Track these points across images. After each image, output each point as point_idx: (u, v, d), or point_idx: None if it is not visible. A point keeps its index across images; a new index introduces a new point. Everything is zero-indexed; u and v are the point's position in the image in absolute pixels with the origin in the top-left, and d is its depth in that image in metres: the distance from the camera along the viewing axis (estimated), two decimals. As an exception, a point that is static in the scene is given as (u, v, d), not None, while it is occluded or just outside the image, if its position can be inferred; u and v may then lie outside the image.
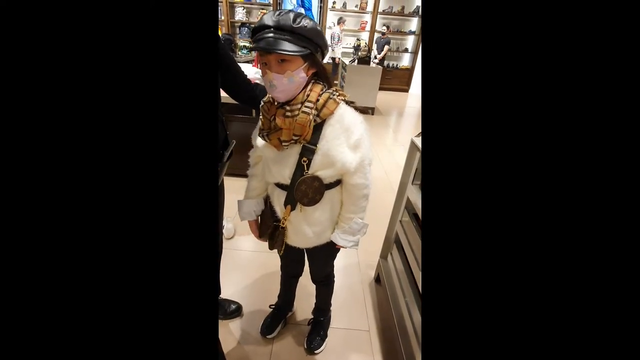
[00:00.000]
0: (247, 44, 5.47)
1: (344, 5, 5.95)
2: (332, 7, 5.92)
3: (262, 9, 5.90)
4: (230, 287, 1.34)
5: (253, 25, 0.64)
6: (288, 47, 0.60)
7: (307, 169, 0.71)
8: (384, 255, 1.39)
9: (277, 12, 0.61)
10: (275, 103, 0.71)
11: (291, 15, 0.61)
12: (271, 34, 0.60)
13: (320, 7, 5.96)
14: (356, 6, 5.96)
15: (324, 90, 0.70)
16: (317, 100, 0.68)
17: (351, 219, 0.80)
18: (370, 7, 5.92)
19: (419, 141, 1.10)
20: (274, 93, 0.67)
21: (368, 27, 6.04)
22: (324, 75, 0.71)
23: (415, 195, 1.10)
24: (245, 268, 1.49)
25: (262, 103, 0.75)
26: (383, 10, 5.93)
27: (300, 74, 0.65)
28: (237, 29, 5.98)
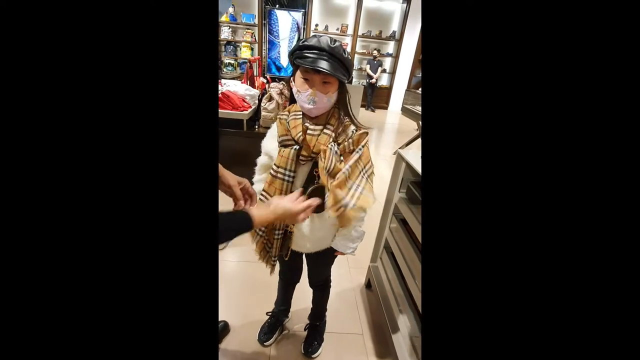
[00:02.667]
0: (232, 61, 5.54)
1: (326, 27, 6.28)
2: (315, 29, 6.22)
3: (248, 29, 6.08)
4: (222, 298, 1.35)
5: (303, 42, 0.70)
6: (338, 72, 0.69)
7: (318, 179, 0.78)
8: (373, 261, 1.47)
9: (333, 41, 0.70)
10: (301, 121, 0.77)
11: (341, 47, 0.71)
12: (325, 57, 0.69)
13: (304, 29, 6.24)
14: (337, 29, 6.30)
15: (343, 119, 0.78)
16: (339, 127, 0.77)
17: (353, 226, 0.88)
18: (350, 31, 6.29)
19: (403, 153, 1.21)
20: (312, 108, 0.73)
21: (349, 49, 6.38)
22: (344, 102, 0.79)
23: (402, 202, 1.20)
24: (236, 279, 1.50)
25: (280, 118, 0.82)
26: (362, 34, 6.32)
27: (334, 96, 0.75)
28: (223, 47, 6.11)
